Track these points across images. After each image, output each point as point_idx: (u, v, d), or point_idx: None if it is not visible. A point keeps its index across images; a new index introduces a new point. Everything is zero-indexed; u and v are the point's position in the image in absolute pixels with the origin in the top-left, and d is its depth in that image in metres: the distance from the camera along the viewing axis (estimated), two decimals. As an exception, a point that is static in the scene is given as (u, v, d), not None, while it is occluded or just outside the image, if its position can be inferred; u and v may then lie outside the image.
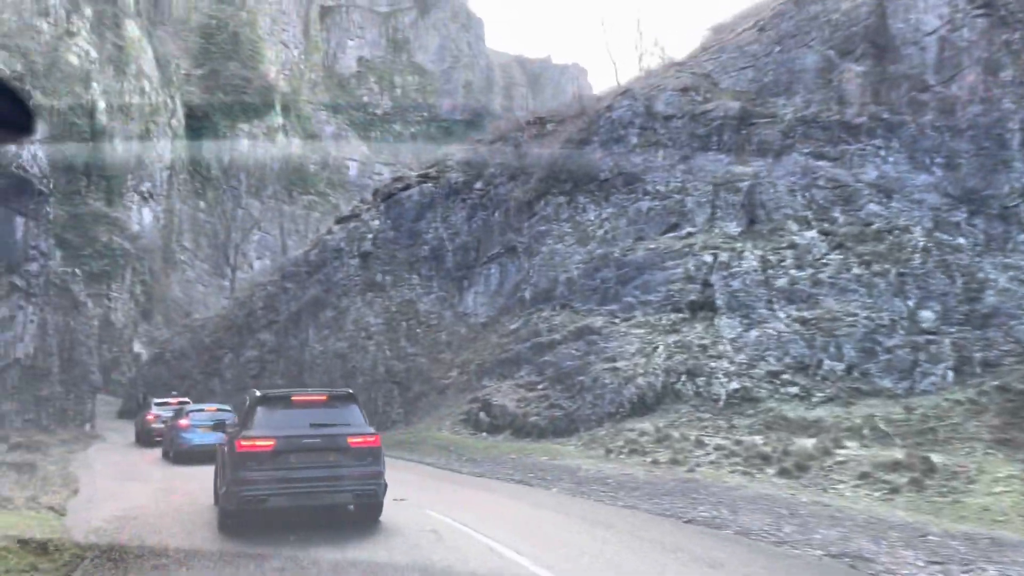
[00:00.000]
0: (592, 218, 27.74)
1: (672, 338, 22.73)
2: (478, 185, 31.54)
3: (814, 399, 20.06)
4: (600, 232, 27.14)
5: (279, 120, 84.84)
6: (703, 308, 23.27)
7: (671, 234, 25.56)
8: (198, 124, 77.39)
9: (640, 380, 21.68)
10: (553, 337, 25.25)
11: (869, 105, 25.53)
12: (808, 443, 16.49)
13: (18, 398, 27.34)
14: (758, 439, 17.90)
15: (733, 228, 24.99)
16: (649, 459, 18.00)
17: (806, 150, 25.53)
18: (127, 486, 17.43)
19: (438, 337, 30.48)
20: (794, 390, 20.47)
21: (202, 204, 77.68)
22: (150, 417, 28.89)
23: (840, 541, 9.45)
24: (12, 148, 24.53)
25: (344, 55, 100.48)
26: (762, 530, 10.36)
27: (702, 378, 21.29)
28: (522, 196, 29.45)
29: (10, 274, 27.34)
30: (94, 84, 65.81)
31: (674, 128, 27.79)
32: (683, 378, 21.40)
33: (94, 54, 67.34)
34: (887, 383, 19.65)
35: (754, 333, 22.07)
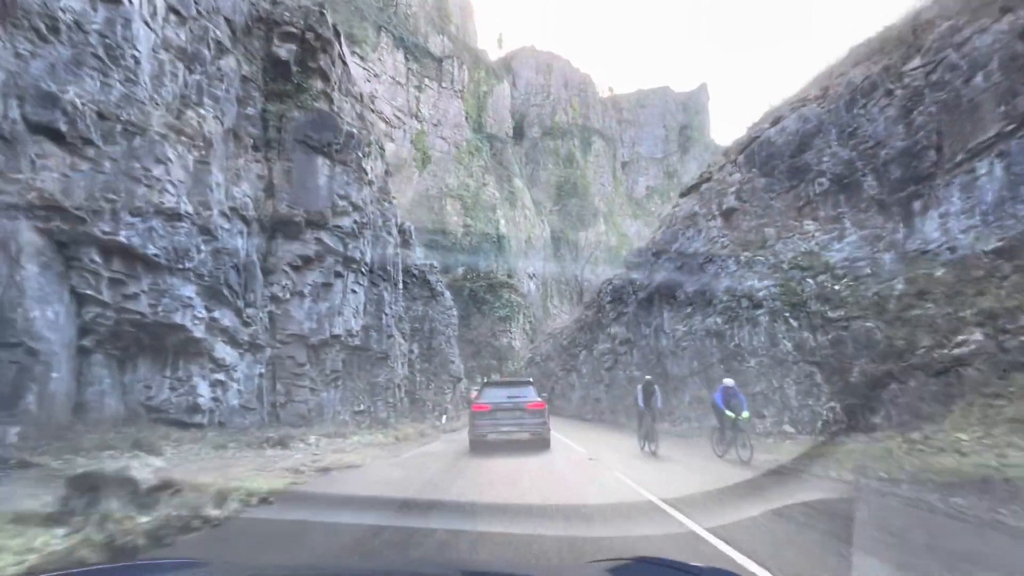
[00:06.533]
0: None
1: None
2: (915, 63, 10.88)
3: None
4: None
5: (602, 226, 79.15)
6: None
7: None
8: (556, 234, 73.82)
9: None
10: None
11: None
12: None
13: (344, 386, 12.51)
14: None
15: None
16: None
17: None
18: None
19: (881, 291, 10.11)
20: None
21: (562, 276, 71.29)
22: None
23: None
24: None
25: (636, 186, 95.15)
26: None
27: None
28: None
29: (317, 229, 11.90)
30: (498, 211, 61.87)
31: None
32: None
33: (497, 195, 64.40)
34: None
35: None
